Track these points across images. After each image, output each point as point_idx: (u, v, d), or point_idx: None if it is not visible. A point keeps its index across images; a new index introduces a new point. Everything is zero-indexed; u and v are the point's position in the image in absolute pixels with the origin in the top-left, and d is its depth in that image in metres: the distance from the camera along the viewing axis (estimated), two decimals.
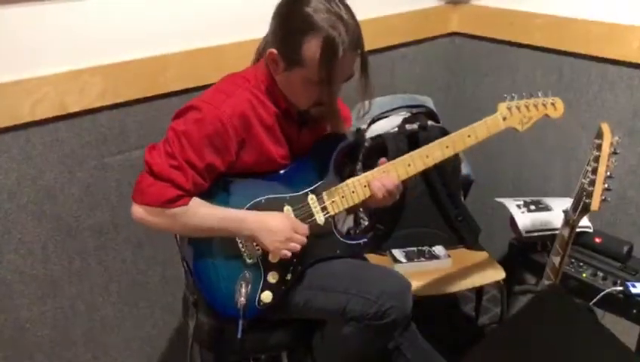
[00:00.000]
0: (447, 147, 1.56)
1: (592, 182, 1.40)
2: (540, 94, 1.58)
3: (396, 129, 2.09)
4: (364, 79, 1.46)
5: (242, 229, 1.49)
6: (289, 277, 1.55)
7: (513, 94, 1.58)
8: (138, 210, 1.45)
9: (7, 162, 1.62)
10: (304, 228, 1.51)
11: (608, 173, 1.41)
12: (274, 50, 1.41)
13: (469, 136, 1.56)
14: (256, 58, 1.56)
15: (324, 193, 1.55)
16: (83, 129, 1.72)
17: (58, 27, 1.61)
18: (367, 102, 1.51)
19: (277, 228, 1.47)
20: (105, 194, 1.81)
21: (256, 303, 1.53)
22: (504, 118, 1.56)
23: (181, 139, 1.41)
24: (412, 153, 1.56)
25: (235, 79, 1.50)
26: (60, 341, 1.84)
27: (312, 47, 1.35)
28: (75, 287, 1.82)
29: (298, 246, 1.49)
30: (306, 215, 1.55)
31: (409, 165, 1.55)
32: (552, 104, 1.58)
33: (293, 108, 1.51)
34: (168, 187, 1.41)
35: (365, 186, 1.55)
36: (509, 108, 1.56)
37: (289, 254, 1.49)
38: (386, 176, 1.54)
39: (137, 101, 1.78)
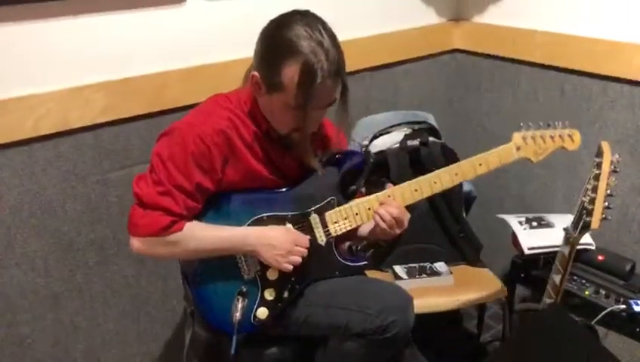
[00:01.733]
0: (456, 174, 1.53)
1: (592, 201, 1.40)
2: (558, 124, 1.53)
3: (397, 145, 2.09)
4: (342, 107, 1.46)
5: (244, 246, 1.49)
6: (286, 294, 1.54)
7: (530, 123, 1.53)
8: (136, 243, 1.44)
9: (9, 177, 1.63)
10: (305, 241, 1.51)
11: (608, 192, 1.40)
12: (256, 73, 1.42)
13: (480, 164, 1.53)
14: (245, 79, 1.55)
15: (326, 213, 1.55)
16: (85, 144, 1.73)
17: (61, 44, 1.63)
18: (343, 130, 1.52)
19: (278, 242, 1.47)
20: (107, 210, 1.81)
21: (252, 319, 1.53)
22: (518, 148, 1.53)
23: (166, 163, 1.41)
24: (419, 178, 1.54)
25: (217, 99, 1.51)
26: (61, 356, 1.83)
27: (290, 72, 1.35)
28: (76, 302, 1.83)
29: (299, 259, 1.49)
30: (307, 235, 1.54)
31: (415, 190, 1.54)
32: (570, 136, 1.53)
33: (274, 132, 1.50)
34: (160, 215, 1.40)
35: (369, 209, 1.54)
36: (524, 138, 1.53)
37: (290, 267, 1.49)
38: (391, 201, 1.53)
39: (140, 117, 1.79)
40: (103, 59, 1.70)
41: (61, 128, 1.66)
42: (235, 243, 1.48)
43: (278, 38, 1.37)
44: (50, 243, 1.74)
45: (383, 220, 1.50)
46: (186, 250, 1.46)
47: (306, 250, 1.50)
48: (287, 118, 1.44)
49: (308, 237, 1.52)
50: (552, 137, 1.53)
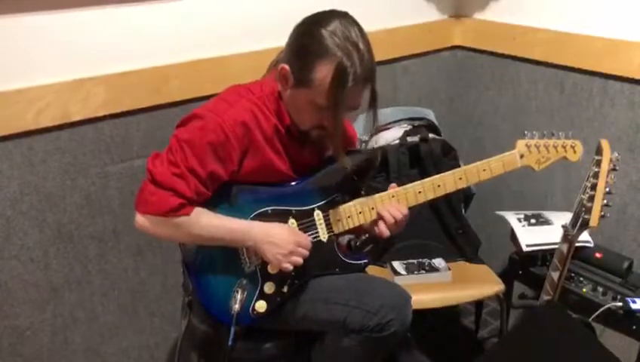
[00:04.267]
0: (460, 178, 1.54)
1: (591, 198, 1.40)
2: (561, 135, 1.55)
3: (397, 141, 2.10)
4: (372, 113, 1.46)
5: (246, 240, 1.49)
6: (285, 289, 1.55)
7: (534, 132, 1.54)
8: (141, 220, 1.44)
9: (9, 169, 1.63)
10: (307, 242, 1.51)
11: (607, 190, 1.41)
12: (286, 66, 1.41)
13: (484, 170, 1.54)
14: (269, 70, 1.55)
15: (330, 211, 1.55)
16: (85, 137, 1.73)
17: (62, 37, 1.63)
18: (372, 133, 1.52)
19: (280, 241, 1.47)
20: (106, 202, 1.82)
21: (250, 311, 1.53)
22: (522, 156, 1.54)
23: (184, 147, 1.41)
24: (424, 181, 1.54)
25: (239, 90, 1.50)
26: (60, 349, 1.84)
27: (323, 72, 1.35)
28: (75, 295, 1.83)
29: (300, 260, 1.49)
30: (310, 230, 1.54)
31: (419, 192, 1.54)
32: (572, 147, 1.54)
33: (295, 127, 1.50)
34: (170, 196, 1.40)
35: (373, 208, 1.55)
36: (528, 147, 1.53)
37: (290, 267, 1.49)
38: (394, 203, 1.54)
39: (140, 110, 1.79)
40: (103, 52, 1.69)
41: (61, 121, 1.66)
42: (238, 236, 1.48)
43: (314, 35, 1.36)
44: (49, 235, 1.74)
45: (387, 221, 1.52)
46: (190, 234, 1.46)
47: (307, 252, 1.51)
48: (311, 115, 1.44)
49: (310, 238, 1.52)
50: (555, 147, 1.55)
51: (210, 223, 1.46)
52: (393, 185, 1.57)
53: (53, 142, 1.68)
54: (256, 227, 1.49)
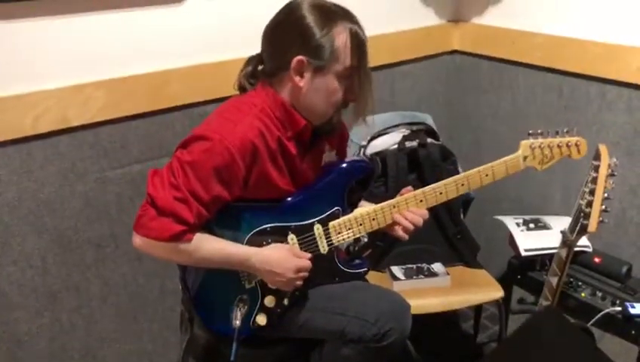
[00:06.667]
0: (462, 185, 1.51)
1: (590, 204, 1.40)
2: (565, 132, 1.52)
3: (396, 146, 2.10)
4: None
5: (246, 266, 1.47)
6: (286, 302, 1.54)
7: (539, 131, 1.50)
8: (139, 241, 1.39)
9: (8, 175, 1.63)
10: (307, 265, 1.49)
11: (606, 195, 1.41)
12: (300, 57, 1.38)
13: (486, 175, 1.50)
14: (250, 83, 1.50)
15: (330, 224, 1.53)
16: (84, 143, 1.73)
17: (61, 41, 1.63)
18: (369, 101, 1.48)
19: (280, 269, 1.45)
20: (105, 208, 1.81)
21: (250, 324, 1.52)
22: (525, 158, 1.51)
23: (186, 169, 1.35)
24: (425, 189, 1.52)
25: (238, 105, 1.45)
26: (58, 354, 1.83)
27: (341, 38, 1.38)
28: (73, 300, 1.82)
29: (301, 284, 1.49)
30: (310, 245, 1.53)
31: (421, 201, 1.52)
32: (576, 145, 1.51)
33: (307, 128, 1.47)
34: (172, 222, 1.35)
35: (374, 220, 1.53)
36: (532, 149, 1.50)
37: (290, 290, 1.51)
38: (396, 213, 1.52)
39: (139, 115, 1.79)
40: (103, 57, 1.69)
41: (60, 126, 1.66)
42: (238, 261, 1.46)
43: (306, 17, 1.38)
44: (48, 241, 1.73)
45: (407, 228, 1.53)
46: (189, 259, 1.43)
47: (307, 275, 1.50)
48: (336, 94, 1.43)
49: (310, 263, 1.49)
50: (559, 147, 1.51)
51: (211, 249, 1.42)
52: (409, 188, 1.55)
53: (52, 148, 1.68)
54: (255, 254, 1.46)
